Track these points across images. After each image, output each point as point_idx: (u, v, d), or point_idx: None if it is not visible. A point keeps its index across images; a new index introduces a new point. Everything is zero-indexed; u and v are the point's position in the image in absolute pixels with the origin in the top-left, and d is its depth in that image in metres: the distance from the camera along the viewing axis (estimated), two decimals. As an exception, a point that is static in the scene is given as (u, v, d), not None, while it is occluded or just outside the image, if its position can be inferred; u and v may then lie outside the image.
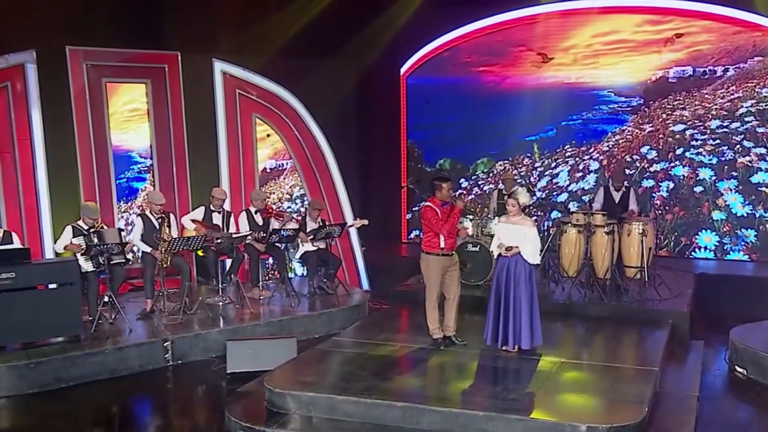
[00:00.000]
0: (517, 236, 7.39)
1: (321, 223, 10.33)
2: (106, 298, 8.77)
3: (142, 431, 7.09)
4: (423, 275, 7.73)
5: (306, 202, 11.78)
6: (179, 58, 11.13)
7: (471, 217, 10.21)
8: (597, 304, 9.04)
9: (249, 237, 9.91)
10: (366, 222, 10.93)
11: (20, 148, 10.36)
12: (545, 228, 10.81)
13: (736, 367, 8.02)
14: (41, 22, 10.17)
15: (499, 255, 7.49)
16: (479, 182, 13.42)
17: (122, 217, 11.04)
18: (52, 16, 10.17)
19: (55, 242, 9.21)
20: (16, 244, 8.60)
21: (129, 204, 11.18)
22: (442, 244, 7.52)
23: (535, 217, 11.84)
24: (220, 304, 9.73)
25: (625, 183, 10.30)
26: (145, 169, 11.29)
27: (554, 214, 11.54)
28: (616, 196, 10.07)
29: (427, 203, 7.61)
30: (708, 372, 8.16)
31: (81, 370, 7.81)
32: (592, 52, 12.56)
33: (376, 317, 9.42)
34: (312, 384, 6.65)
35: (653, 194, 12.21)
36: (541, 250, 10.10)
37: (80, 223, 8.98)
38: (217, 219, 9.89)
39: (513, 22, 13.00)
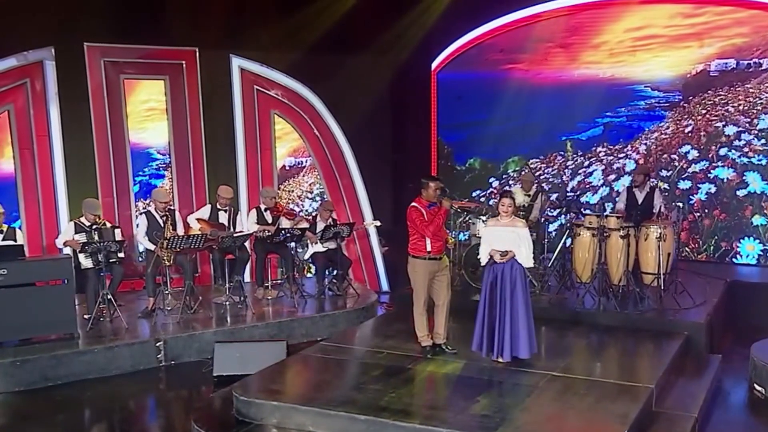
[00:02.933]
0: (511, 239, 6.92)
1: (331, 223, 10.09)
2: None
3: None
4: (410, 280, 7.37)
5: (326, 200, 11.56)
6: (197, 54, 11.05)
7: (484, 218, 9.73)
8: (608, 313, 8.45)
9: (255, 234, 9.77)
10: (378, 223, 10.63)
11: (39, 144, 10.48)
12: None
13: (755, 386, 7.39)
14: (60, 19, 10.22)
15: (488, 262, 7.04)
16: (510, 181, 12.90)
17: (140, 213, 11.02)
18: (70, 13, 10.22)
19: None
20: (20, 240, 8.64)
21: (147, 201, 11.15)
22: (429, 248, 7.14)
23: (566, 219, 11.34)
24: (227, 303, 9.58)
25: (650, 183, 9.67)
26: (164, 166, 11.25)
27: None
28: (639, 197, 9.47)
29: (413, 203, 7.23)
30: (725, 390, 7.59)
31: (68, 369, 7.77)
32: (629, 44, 11.88)
33: (375, 321, 9.08)
34: (281, 392, 6.40)
35: (691, 196, 11.49)
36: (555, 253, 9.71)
37: (82, 219, 8.97)
38: (222, 218, 9.74)
39: (547, 14, 12.44)
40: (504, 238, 6.97)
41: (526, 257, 6.91)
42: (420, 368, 7.01)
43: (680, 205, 10.51)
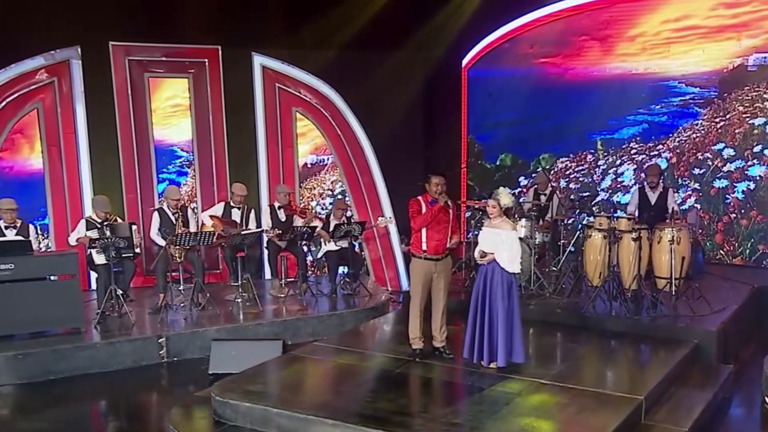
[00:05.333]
0: (493, 241, 6.70)
1: (344, 222, 10.00)
2: (119, 291, 8.84)
3: (92, 428, 7.07)
4: (409, 279, 7.22)
5: (347, 199, 11.48)
6: (219, 52, 11.11)
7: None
8: (617, 319, 8.08)
9: (266, 233, 9.76)
10: (393, 221, 10.49)
11: (65, 141, 10.71)
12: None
13: (766, 399, 6.97)
14: (85, 19, 10.41)
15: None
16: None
17: (153, 210, 11.12)
18: (95, 13, 10.39)
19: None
20: (32, 236, 8.82)
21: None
22: (425, 246, 6.91)
23: (589, 220, 10.99)
24: (238, 301, 9.59)
25: (662, 183, 9.27)
26: (187, 163, 11.35)
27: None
28: (652, 197, 9.08)
29: (418, 197, 7.03)
30: (735, 403, 7.20)
31: (70, 363, 7.87)
32: (662, 39, 11.37)
33: (376, 322, 8.91)
34: (256, 393, 6.31)
35: (727, 195, 10.96)
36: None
37: (93, 216, 9.12)
38: (236, 215, 9.78)
39: (580, 8, 12.04)
40: (488, 240, 6.76)
41: (507, 261, 6.66)
42: (404, 372, 6.83)
43: (698, 206, 10.00)
